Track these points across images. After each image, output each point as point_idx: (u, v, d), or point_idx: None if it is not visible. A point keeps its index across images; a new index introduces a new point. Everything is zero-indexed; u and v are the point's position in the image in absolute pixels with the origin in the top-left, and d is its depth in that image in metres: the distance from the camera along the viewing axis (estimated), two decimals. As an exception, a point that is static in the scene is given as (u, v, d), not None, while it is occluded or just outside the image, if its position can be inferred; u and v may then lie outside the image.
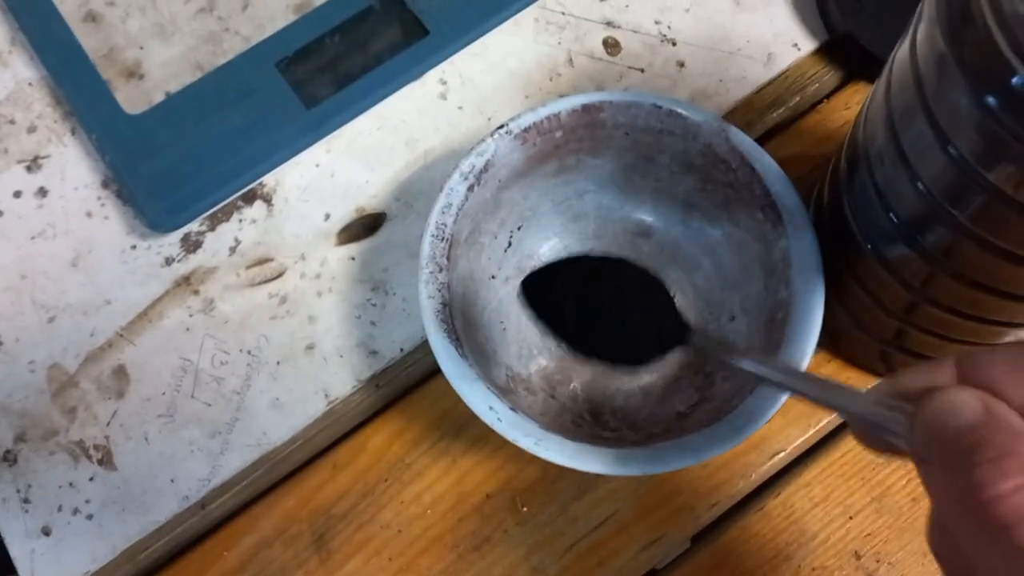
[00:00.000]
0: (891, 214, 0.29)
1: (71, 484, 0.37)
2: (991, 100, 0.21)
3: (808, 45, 0.42)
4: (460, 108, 0.42)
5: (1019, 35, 0.20)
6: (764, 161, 0.34)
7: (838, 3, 0.40)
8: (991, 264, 0.26)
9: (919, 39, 0.24)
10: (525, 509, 0.36)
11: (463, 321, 0.35)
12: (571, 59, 0.43)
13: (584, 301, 0.34)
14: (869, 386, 0.36)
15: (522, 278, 0.38)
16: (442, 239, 0.34)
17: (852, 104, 0.41)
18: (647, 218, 0.39)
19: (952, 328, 0.31)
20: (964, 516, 0.18)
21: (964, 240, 0.26)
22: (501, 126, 0.35)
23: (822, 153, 0.40)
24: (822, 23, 0.42)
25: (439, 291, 0.34)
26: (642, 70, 0.42)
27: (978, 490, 0.18)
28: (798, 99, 0.41)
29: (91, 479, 0.37)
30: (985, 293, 0.28)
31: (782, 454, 0.36)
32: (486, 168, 0.35)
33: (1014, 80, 0.20)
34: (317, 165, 0.41)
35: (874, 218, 0.30)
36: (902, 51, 0.26)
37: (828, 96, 0.41)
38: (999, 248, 0.25)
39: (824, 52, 0.42)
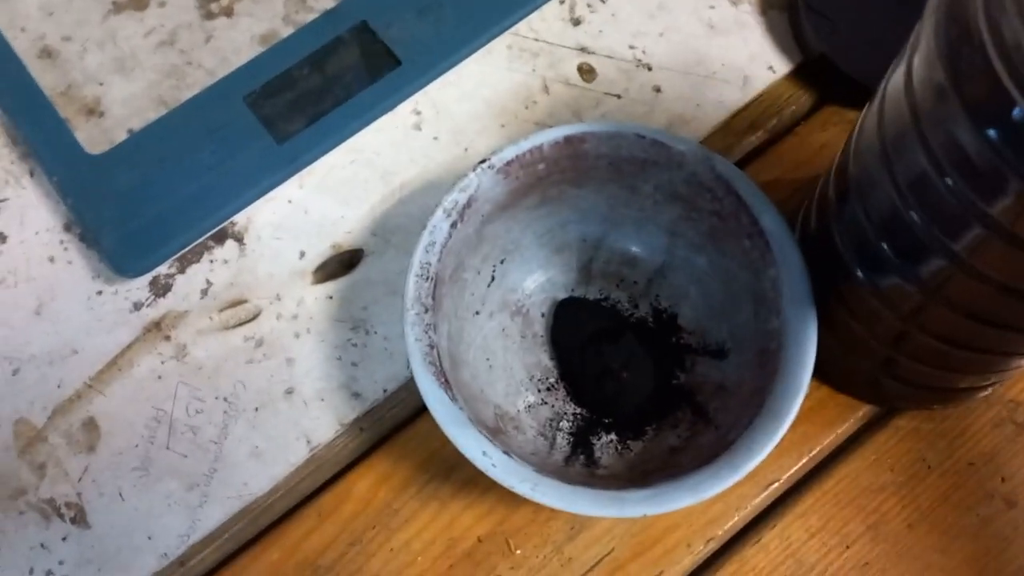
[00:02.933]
0: (884, 244, 0.28)
1: (42, 545, 0.36)
2: (991, 132, 0.21)
3: (783, 67, 0.42)
4: (435, 139, 0.41)
5: (1020, 66, 0.20)
6: (750, 190, 0.34)
7: (812, 25, 0.40)
8: (987, 296, 0.26)
9: (915, 69, 0.24)
10: (518, 552, 0.35)
11: (450, 361, 0.34)
12: (546, 86, 0.42)
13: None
14: (859, 413, 0.36)
15: (510, 310, 0.37)
16: (427, 279, 0.33)
17: (829, 126, 0.40)
18: (632, 248, 0.38)
19: (945, 358, 0.31)
20: None
21: (960, 272, 0.26)
22: (483, 160, 0.35)
23: (802, 176, 0.40)
24: (796, 45, 0.42)
25: (426, 333, 0.33)
26: (619, 96, 0.42)
27: None
28: (775, 122, 0.41)
29: (64, 539, 0.36)
30: (980, 324, 0.28)
31: (776, 484, 0.36)
32: (469, 204, 0.34)
33: (1015, 112, 0.20)
34: (290, 201, 0.40)
35: (866, 248, 0.30)
36: (895, 81, 0.26)
37: (805, 118, 0.41)
38: (996, 281, 0.25)
39: (799, 74, 0.41)
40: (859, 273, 0.30)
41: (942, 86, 0.22)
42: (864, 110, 0.30)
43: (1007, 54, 0.20)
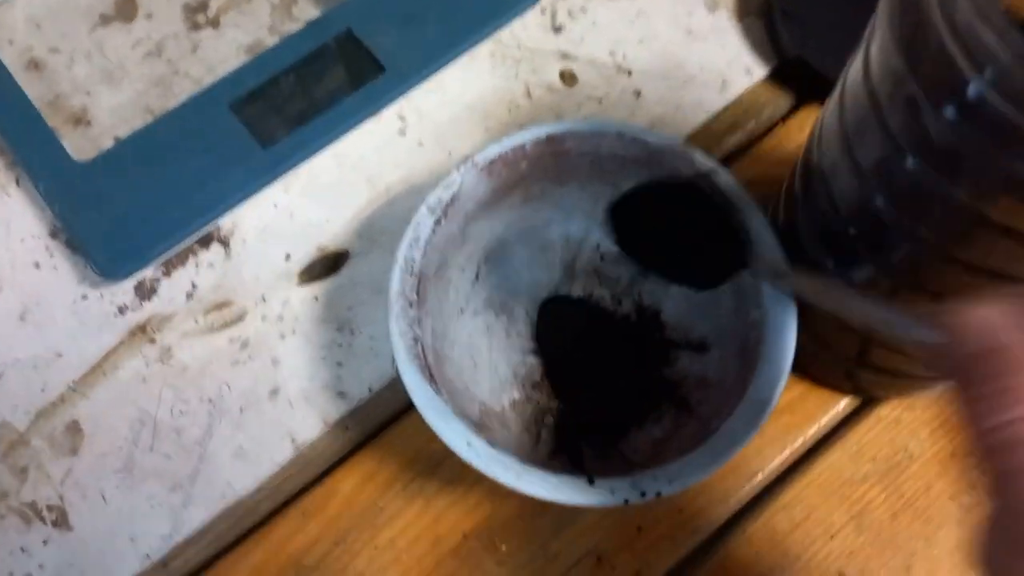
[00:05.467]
0: (851, 232, 0.29)
1: (23, 549, 0.35)
2: (948, 111, 0.22)
3: (760, 71, 0.42)
4: (420, 144, 0.42)
5: (973, 45, 0.20)
6: (730, 182, 0.34)
7: (787, 28, 0.41)
8: (954, 277, 0.26)
9: (872, 54, 0.25)
10: (504, 548, 0.35)
11: (434, 357, 0.34)
12: (529, 91, 0.43)
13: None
14: (841, 404, 0.37)
15: (495, 308, 0.37)
16: (411, 273, 0.34)
17: (806, 126, 0.41)
18: (614, 245, 0.38)
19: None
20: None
21: (926, 254, 0.26)
22: (467, 158, 0.35)
23: (779, 174, 0.40)
24: (772, 48, 0.43)
25: (410, 327, 0.33)
26: (600, 100, 0.42)
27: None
28: (753, 123, 0.42)
29: (45, 542, 0.36)
30: None
31: (760, 476, 0.36)
32: (452, 201, 0.35)
33: (969, 90, 0.21)
34: (275, 205, 0.40)
35: (833, 238, 0.30)
36: (855, 68, 0.26)
37: (783, 119, 0.42)
38: (962, 261, 0.25)
39: (776, 76, 0.42)
40: (827, 262, 0.31)
41: (899, 71, 0.23)
42: (825, 104, 0.30)
43: (959, 33, 0.21)
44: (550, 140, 0.36)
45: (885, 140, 0.25)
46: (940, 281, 0.27)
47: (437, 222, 0.35)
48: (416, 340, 0.33)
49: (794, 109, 0.42)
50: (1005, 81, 0.20)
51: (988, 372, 0.19)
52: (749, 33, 0.43)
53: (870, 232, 0.28)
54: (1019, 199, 0.21)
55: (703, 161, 0.35)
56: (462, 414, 0.33)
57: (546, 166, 0.36)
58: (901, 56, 0.23)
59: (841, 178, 0.28)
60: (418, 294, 0.34)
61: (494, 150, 0.35)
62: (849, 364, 0.34)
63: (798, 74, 0.41)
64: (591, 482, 0.31)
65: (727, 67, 0.42)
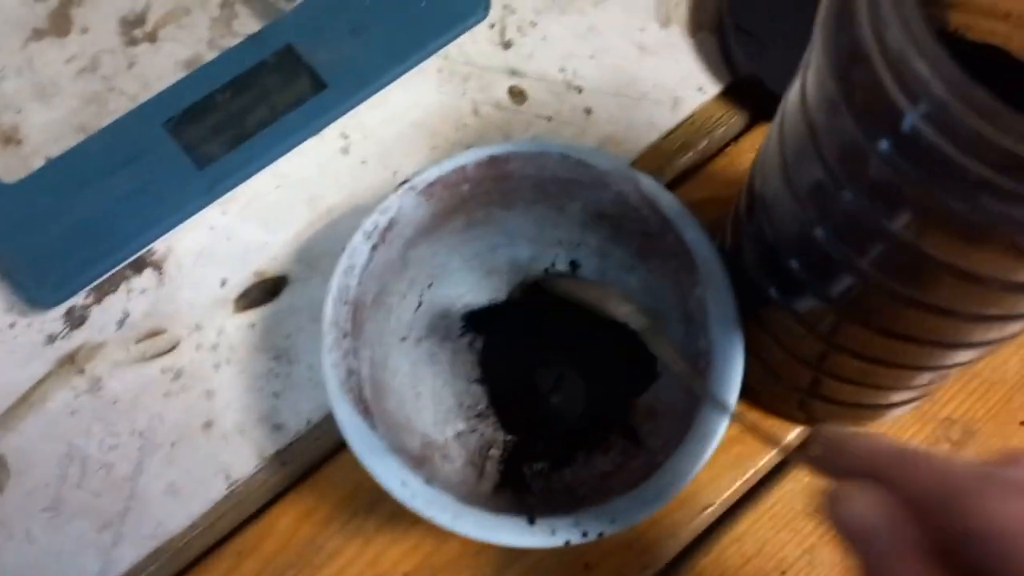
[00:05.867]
0: (792, 261, 0.28)
1: (-58, 593, 0.34)
2: (883, 144, 0.20)
3: (713, 88, 0.41)
4: (363, 162, 0.40)
5: (906, 75, 0.19)
6: (675, 209, 0.33)
7: (741, 45, 0.40)
8: (897, 311, 0.25)
9: (808, 82, 0.24)
10: (447, 586, 0.34)
11: (372, 388, 0.33)
12: (476, 109, 0.41)
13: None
14: (791, 434, 0.36)
15: (439, 335, 0.36)
16: (345, 302, 0.32)
17: (759, 146, 0.40)
18: (561, 269, 0.37)
19: (867, 374, 0.30)
20: None
21: (869, 288, 0.25)
22: (404, 181, 0.34)
23: (731, 196, 0.39)
24: (725, 66, 0.42)
25: (344, 358, 0.32)
26: (549, 118, 0.41)
27: None
28: (706, 143, 0.41)
29: (-35, 586, 0.34)
30: (895, 340, 0.27)
31: (711, 508, 0.35)
32: (390, 226, 0.33)
33: (904, 123, 0.20)
34: (211, 228, 0.39)
35: (775, 265, 0.29)
36: (793, 95, 0.25)
37: (735, 138, 0.41)
38: (905, 297, 0.24)
39: (729, 95, 0.41)
40: (771, 292, 0.30)
41: (834, 100, 0.22)
42: (768, 127, 0.29)
43: (893, 65, 0.19)
44: (492, 162, 0.34)
45: (822, 170, 0.23)
46: (886, 316, 0.26)
47: (374, 248, 0.33)
48: (351, 372, 0.32)
49: (747, 128, 0.41)
50: (940, 116, 0.19)
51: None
52: (702, 49, 0.42)
53: (811, 263, 0.27)
54: (958, 235, 0.20)
55: (648, 184, 0.33)
56: (400, 449, 0.31)
57: (489, 189, 0.35)
58: (835, 83, 0.22)
59: (782, 206, 0.27)
60: (354, 323, 0.32)
61: (433, 172, 0.34)
62: (801, 394, 0.33)
63: (751, 92, 0.40)
64: (531, 522, 0.29)
65: (679, 84, 0.41)
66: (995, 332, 0.25)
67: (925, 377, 0.30)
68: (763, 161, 0.28)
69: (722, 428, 0.30)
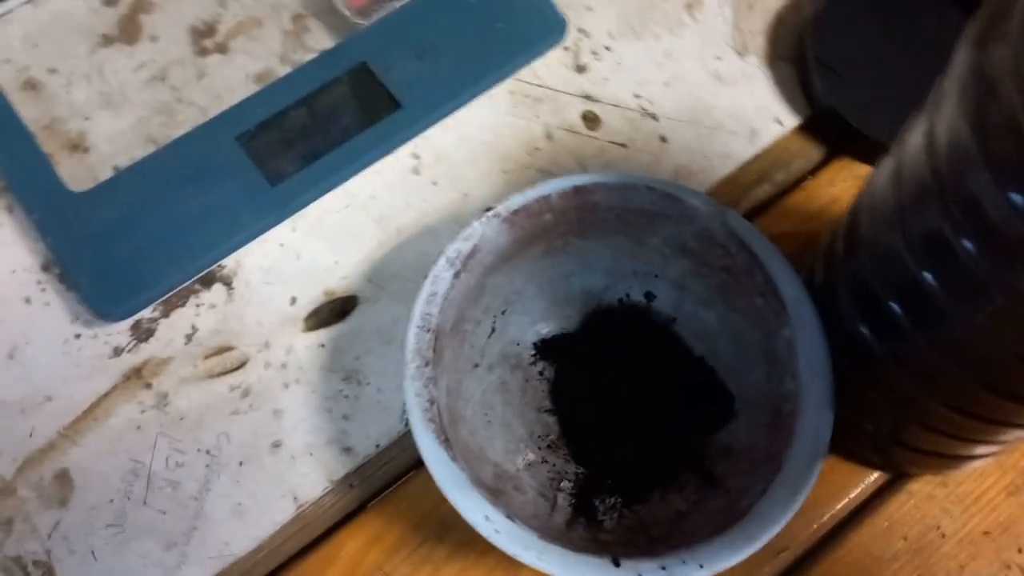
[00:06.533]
0: (894, 305, 0.27)
1: (4, 608, 0.33)
2: (1016, 196, 0.20)
3: (791, 121, 0.41)
4: (434, 183, 0.40)
5: None
6: (764, 247, 0.33)
7: (821, 78, 0.40)
8: (1006, 367, 0.25)
9: (937, 127, 0.23)
10: (516, 619, 0.33)
11: (449, 417, 0.32)
12: (549, 133, 0.41)
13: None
14: (871, 478, 0.35)
15: (510, 363, 0.36)
16: (428, 330, 0.32)
17: (838, 180, 0.40)
18: (636, 300, 0.37)
19: (956, 425, 0.29)
20: None
21: (977, 341, 0.24)
22: (488, 209, 0.33)
23: (809, 230, 0.39)
24: (804, 98, 0.41)
25: (426, 387, 0.31)
26: (624, 145, 0.41)
27: None
28: (783, 176, 0.40)
29: (28, 601, 0.33)
30: (997, 396, 0.26)
31: (785, 552, 0.34)
32: (472, 253, 0.33)
33: None
34: (281, 245, 0.39)
35: (875, 308, 0.28)
36: (915, 138, 0.25)
37: (813, 172, 0.40)
38: (1016, 352, 0.24)
39: (807, 128, 0.41)
40: (864, 331, 0.29)
41: (966, 146, 0.21)
42: (877, 166, 0.29)
43: None
44: (577, 192, 0.34)
45: (945, 217, 0.23)
46: (991, 371, 0.25)
47: (456, 275, 0.33)
48: (432, 402, 0.31)
49: (824, 162, 0.40)
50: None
51: None
52: (780, 80, 0.42)
53: (917, 310, 0.26)
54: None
55: (736, 221, 0.33)
56: (478, 480, 0.31)
57: (571, 219, 0.34)
58: (969, 130, 0.21)
59: (891, 250, 0.26)
60: (435, 351, 0.32)
61: (517, 200, 0.34)
62: (881, 438, 0.33)
63: (830, 126, 0.40)
64: (616, 564, 0.29)
65: (756, 115, 0.41)
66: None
67: (1018, 433, 0.29)
68: (870, 202, 0.28)
69: (815, 475, 0.29)
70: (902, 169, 0.26)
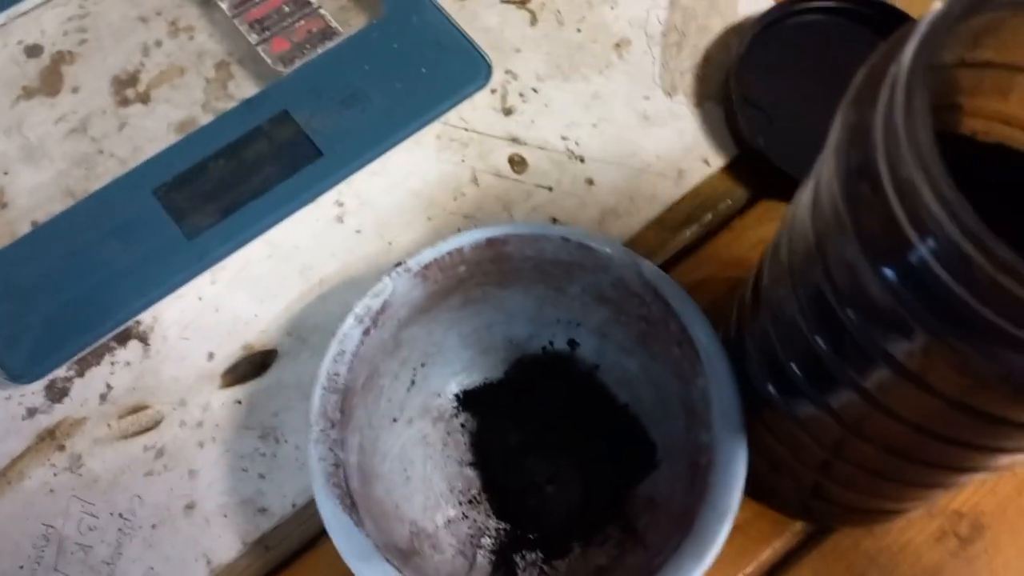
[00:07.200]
0: (792, 365, 0.26)
1: None
2: (888, 272, 0.19)
3: (718, 161, 0.40)
4: (358, 232, 0.39)
5: (917, 206, 0.18)
6: (678, 296, 0.32)
7: (746, 117, 0.39)
8: (899, 434, 0.24)
9: (821, 190, 0.22)
10: None
11: (360, 476, 0.32)
12: (476, 177, 0.40)
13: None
14: (796, 527, 0.34)
15: (431, 416, 0.35)
16: (334, 391, 0.31)
17: (765, 220, 0.39)
18: (559, 348, 0.36)
19: (872, 485, 0.29)
20: None
21: (868, 407, 0.24)
22: (399, 264, 0.33)
23: (734, 276, 0.38)
24: (731, 138, 0.41)
25: (331, 451, 0.30)
26: (550, 188, 0.40)
27: None
28: (710, 216, 0.40)
29: (-67, 675, 0.33)
30: (900, 459, 0.26)
31: (711, 605, 0.33)
32: (383, 309, 0.32)
33: (911, 255, 0.18)
34: (200, 298, 0.38)
35: (778, 367, 0.27)
36: (804, 198, 0.24)
37: (740, 212, 0.40)
38: (910, 421, 0.23)
39: (734, 168, 0.40)
40: (773, 393, 0.28)
41: (842, 217, 0.20)
42: (780, 226, 0.28)
43: (903, 192, 0.18)
44: (490, 243, 0.33)
45: (827, 284, 0.22)
46: (889, 437, 0.24)
47: (366, 332, 0.32)
48: (337, 466, 0.30)
49: (751, 203, 0.40)
50: (951, 256, 0.17)
51: None
52: (708, 120, 0.41)
53: (812, 372, 0.25)
54: (967, 375, 0.19)
55: (650, 270, 0.32)
56: (389, 544, 0.30)
57: (487, 270, 0.34)
58: (843, 199, 0.20)
59: (787, 308, 0.26)
60: (342, 411, 0.31)
61: (428, 255, 0.33)
62: (802, 495, 0.32)
63: (757, 167, 0.39)
64: (523, 629, 0.28)
65: (684, 156, 0.40)
66: (1009, 458, 0.24)
67: (936, 493, 0.29)
68: (771, 257, 0.27)
69: (723, 534, 0.29)
70: (794, 226, 0.25)
